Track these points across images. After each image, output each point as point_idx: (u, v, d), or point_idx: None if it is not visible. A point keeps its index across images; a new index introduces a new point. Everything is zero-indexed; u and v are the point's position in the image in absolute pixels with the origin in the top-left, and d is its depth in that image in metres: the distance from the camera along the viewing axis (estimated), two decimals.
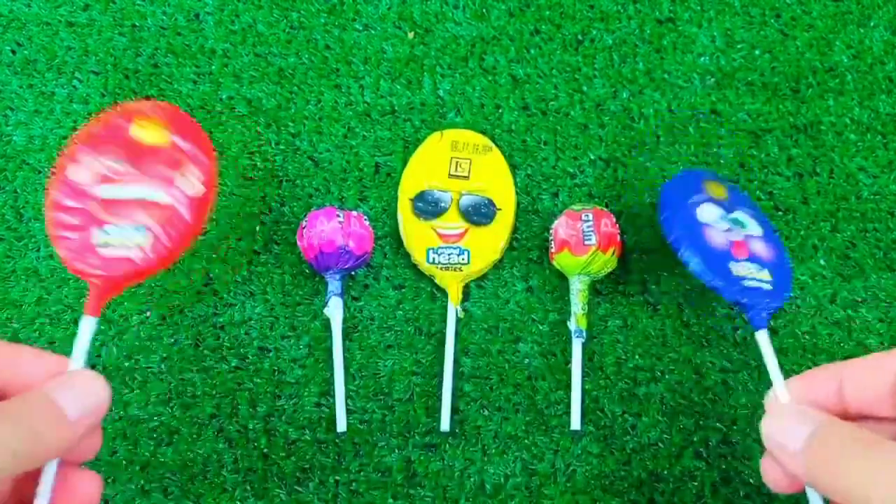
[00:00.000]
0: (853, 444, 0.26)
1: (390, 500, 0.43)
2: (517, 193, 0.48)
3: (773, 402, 0.32)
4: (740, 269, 0.37)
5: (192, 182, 0.36)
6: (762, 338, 0.35)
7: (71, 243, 0.33)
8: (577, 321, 0.44)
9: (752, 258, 0.38)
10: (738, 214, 0.41)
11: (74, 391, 0.28)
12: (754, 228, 0.40)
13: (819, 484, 0.27)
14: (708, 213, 0.40)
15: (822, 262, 0.47)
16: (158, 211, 0.34)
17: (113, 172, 0.35)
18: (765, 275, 0.37)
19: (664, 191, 0.41)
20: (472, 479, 0.44)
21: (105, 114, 0.36)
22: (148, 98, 0.51)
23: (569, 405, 0.44)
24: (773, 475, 0.30)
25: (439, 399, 0.44)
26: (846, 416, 0.29)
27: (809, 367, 0.45)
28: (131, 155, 0.35)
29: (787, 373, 0.45)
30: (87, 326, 0.31)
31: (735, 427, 0.44)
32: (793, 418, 0.29)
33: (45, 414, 0.27)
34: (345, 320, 0.46)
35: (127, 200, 0.34)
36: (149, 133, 0.36)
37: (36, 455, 0.26)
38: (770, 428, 0.30)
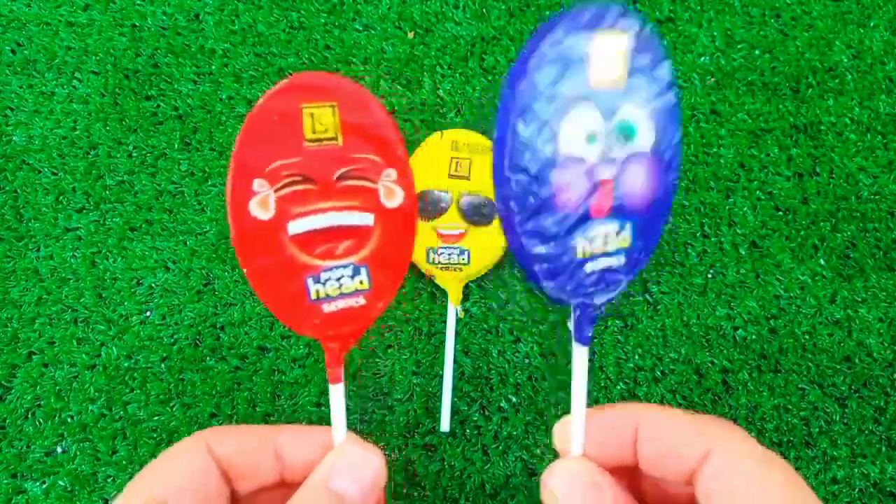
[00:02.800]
0: None
1: (390, 500, 0.43)
2: None
3: (563, 445, 0.26)
4: (591, 242, 0.25)
5: (391, 188, 0.27)
6: (580, 357, 0.26)
7: (288, 304, 0.26)
8: None
9: (617, 210, 0.25)
10: (628, 112, 0.25)
11: (350, 472, 0.26)
12: (644, 136, 0.25)
13: None
14: (576, 128, 0.24)
15: (822, 262, 0.47)
16: (366, 238, 0.27)
17: (298, 200, 0.26)
18: (622, 239, 0.25)
19: (514, 69, 0.24)
20: (472, 480, 0.44)
21: (263, 104, 0.26)
22: (148, 98, 0.51)
23: (569, 405, 0.44)
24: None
25: (439, 399, 0.44)
26: (633, 467, 0.26)
27: (809, 367, 0.45)
28: (310, 165, 0.26)
29: (786, 373, 0.46)
30: (337, 395, 0.27)
31: None
32: (582, 486, 0.25)
33: None
34: None
35: (325, 231, 0.27)
36: (322, 125, 0.26)
37: None
38: (555, 484, 0.25)
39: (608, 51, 0.25)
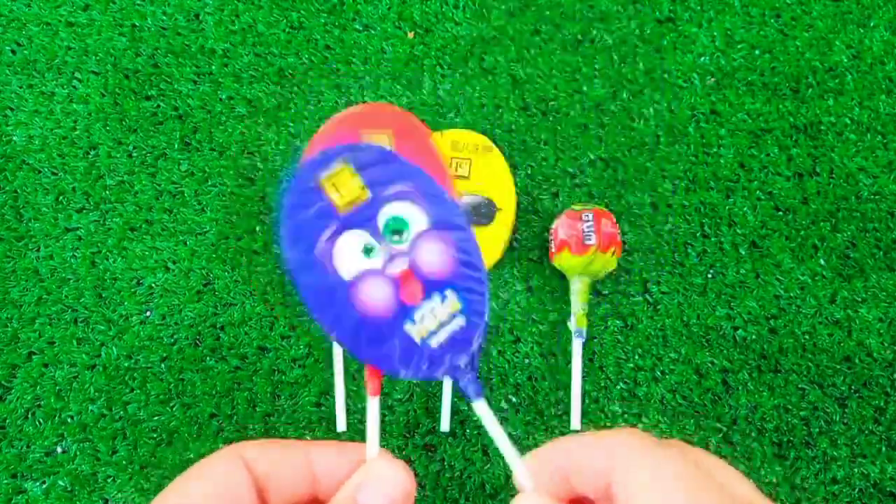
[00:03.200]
0: None
1: None
2: (517, 193, 0.48)
3: (523, 489, 0.27)
4: (422, 322, 0.26)
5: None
6: (482, 411, 0.27)
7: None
8: (577, 321, 0.44)
9: (429, 287, 0.26)
10: (389, 212, 0.26)
11: (379, 489, 0.26)
12: (416, 219, 0.27)
13: None
14: (349, 252, 0.26)
15: (822, 262, 0.47)
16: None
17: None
18: (451, 305, 0.27)
19: (283, 236, 0.25)
20: (472, 480, 0.44)
21: (325, 129, 0.27)
22: (148, 98, 0.51)
23: (569, 405, 0.44)
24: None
25: (439, 399, 0.44)
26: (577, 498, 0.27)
27: (809, 367, 0.45)
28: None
29: (786, 373, 0.46)
30: (374, 409, 0.28)
31: (735, 427, 0.44)
32: None
33: None
34: None
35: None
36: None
37: None
38: None
39: (337, 179, 0.26)
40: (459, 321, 0.27)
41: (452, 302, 0.27)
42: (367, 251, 0.26)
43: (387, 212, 0.26)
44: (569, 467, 0.26)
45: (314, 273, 0.25)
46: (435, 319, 0.27)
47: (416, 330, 0.26)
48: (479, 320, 0.27)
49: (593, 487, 0.25)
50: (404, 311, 0.26)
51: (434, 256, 0.27)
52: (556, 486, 0.27)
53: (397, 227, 0.26)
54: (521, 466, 0.27)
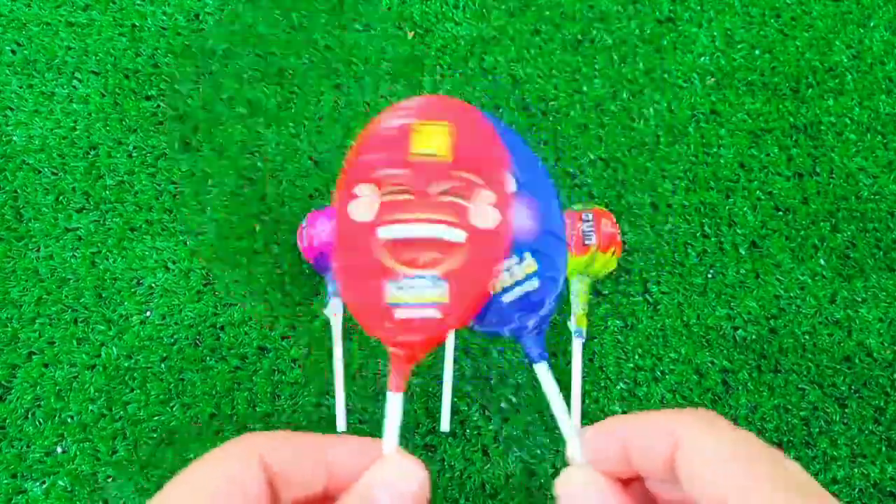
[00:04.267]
0: None
1: None
2: None
3: (572, 455, 0.27)
4: (497, 279, 0.28)
5: (485, 211, 0.28)
6: (543, 373, 0.28)
7: (364, 304, 0.27)
8: (577, 321, 0.44)
9: (512, 247, 0.28)
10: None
11: (393, 485, 0.26)
12: (509, 179, 0.30)
13: None
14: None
15: (822, 262, 0.47)
16: (453, 254, 0.28)
17: (395, 208, 0.28)
18: (527, 266, 0.28)
19: None
20: (472, 480, 0.43)
21: (380, 118, 0.28)
22: (148, 98, 0.51)
23: (569, 405, 0.44)
24: None
25: (439, 399, 0.44)
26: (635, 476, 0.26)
27: (809, 367, 0.45)
28: (413, 177, 0.28)
29: (786, 373, 0.46)
30: (395, 405, 0.27)
31: None
32: (591, 493, 0.25)
33: None
34: (345, 320, 0.46)
35: (415, 241, 0.28)
36: (432, 143, 0.28)
37: None
38: (567, 491, 0.26)
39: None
40: (534, 283, 0.28)
41: (529, 263, 0.28)
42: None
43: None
44: (630, 443, 0.26)
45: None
46: (511, 277, 0.28)
47: (491, 283, 0.28)
48: (552, 285, 0.28)
49: (654, 465, 0.25)
50: None
51: (518, 218, 0.28)
52: (612, 462, 0.26)
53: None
54: (575, 438, 0.26)
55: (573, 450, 0.26)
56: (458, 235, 0.28)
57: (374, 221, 0.28)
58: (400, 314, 0.27)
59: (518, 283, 0.28)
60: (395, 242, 0.28)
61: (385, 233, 0.28)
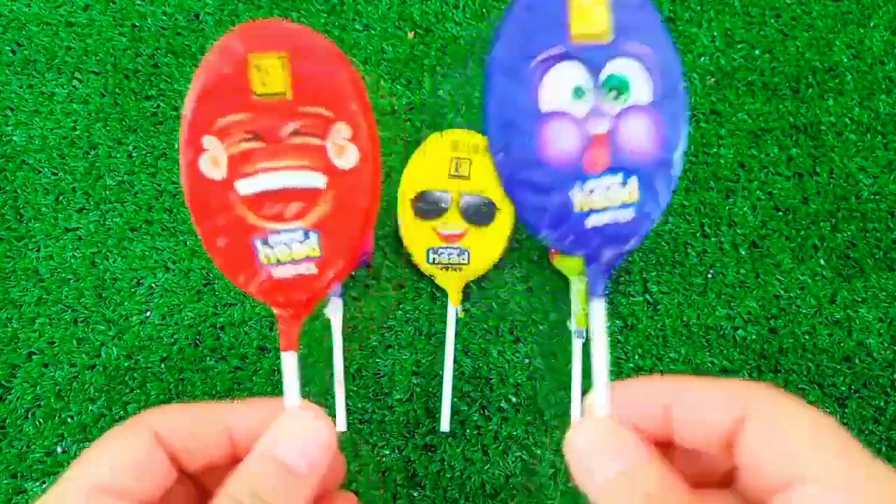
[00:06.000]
0: None
1: (390, 501, 0.43)
2: None
3: (591, 410, 0.25)
4: (589, 196, 0.24)
5: (342, 146, 0.26)
6: (598, 312, 0.25)
7: (240, 265, 0.25)
8: (577, 321, 0.44)
9: (616, 165, 0.24)
10: (617, 67, 0.24)
11: (298, 440, 0.25)
12: (640, 88, 0.24)
13: None
14: (560, 84, 0.23)
15: (822, 262, 0.47)
16: (317, 201, 0.26)
17: (248, 158, 0.25)
18: (627, 193, 0.24)
19: (499, 36, 0.23)
20: (472, 480, 0.44)
21: (210, 57, 0.25)
22: (148, 98, 0.51)
23: (569, 405, 0.44)
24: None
25: (439, 399, 0.44)
26: (666, 442, 0.25)
27: (809, 367, 0.45)
28: (259, 122, 0.25)
29: (786, 373, 0.46)
30: (290, 362, 0.26)
31: None
32: (605, 444, 0.24)
33: (278, 479, 0.24)
34: (345, 320, 0.46)
35: (275, 192, 0.25)
36: (273, 79, 0.25)
37: None
38: (577, 441, 0.24)
39: (587, 2, 0.23)
40: (628, 213, 0.24)
41: (632, 191, 0.24)
42: (577, 93, 0.24)
43: (617, 65, 0.24)
44: (679, 408, 0.24)
45: (513, 83, 0.23)
46: (605, 199, 0.24)
47: (579, 199, 0.24)
48: (646, 223, 0.25)
49: (705, 435, 0.24)
50: (578, 174, 0.24)
51: (639, 136, 0.24)
52: (639, 421, 0.25)
53: (618, 86, 0.24)
54: (602, 389, 0.24)
55: (598, 399, 0.24)
56: (318, 180, 0.25)
57: (230, 176, 0.25)
58: (275, 274, 0.25)
59: (610, 209, 0.24)
60: (256, 196, 0.25)
61: (244, 188, 0.25)
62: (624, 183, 0.24)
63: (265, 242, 0.25)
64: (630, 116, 0.24)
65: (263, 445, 0.25)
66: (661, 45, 0.24)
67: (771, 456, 0.21)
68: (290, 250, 0.26)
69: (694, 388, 0.24)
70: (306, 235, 0.26)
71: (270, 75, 0.25)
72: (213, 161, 0.25)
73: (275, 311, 0.26)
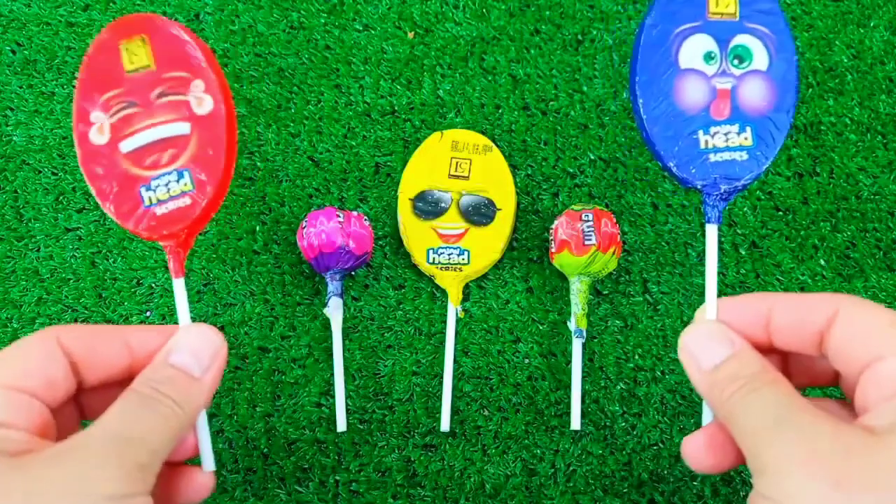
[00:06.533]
0: (761, 386, 0.26)
1: (390, 500, 0.43)
2: (517, 193, 0.48)
3: (701, 315, 0.31)
4: (712, 138, 0.31)
5: (200, 98, 0.32)
6: (711, 235, 0.31)
7: (128, 211, 0.31)
8: (577, 321, 0.44)
9: (735, 115, 0.31)
10: (742, 41, 0.32)
11: (190, 348, 0.29)
12: (760, 59, 0.31)
13: (715, 409, 0.28)
14: (695, 48, 0.31)
15: (822, 262, 0.47)
16: (186, 146, 0.32)
17: (125, 121, 0.32)
18: (743, 138, 0.31)
19: (652, 8, 0.32)
20: (472, 480, 0.44)
21: (91, 48, 0.33)
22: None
23: (569, 405, 0.44)
24: (692, 451, 0.30)
25: (439, 399, 0.44)
26: (769, 349, 0.29)
27: None
28: (133, 91, 0.32)
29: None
30: (180, 287, 0.32)
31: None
32: (714, 336, 0.29)
33: (174, 379, 0.28)
34: (345, 320, 0.46)
35: (151, 145, 0.32)
36: (139, 57, 0.33)
37: (183, 422, 0.28)
38: (689, 338, 0.30)
39: None
40: (742, 155, 0.31)
41: (747, 136, 0.31)
42: (708, 57, 0.31)
43: (742, 39, 0.31)
44: (778, 312, 0.28)
45: (659, 42, 0.31)
46: (724, 141, 0.31)
47: (704, 139, 0.31)
48: (756, 167, 0.31)
49: (801, 336, 0.28)
50: (706, 119, 0.31)
51: (755, 95, 0.31)
52: (745, 327, 0.29)
53: (742, 55, 0.31)
54: (712, 300, 0.30)
55: (709, 307, 0.30)
56: (183, 128, 0.32)
57: (112, 139, 0.32)
58: (158, 212, 0.31)
59: (728, 149, 0.31)
60: (136, 151, 0.32)
61: (126, 146, 0.32)
62: (740, 131, 0.31)
63: (148, 188, 0.32)
64: (749, 79, 0.31)
65: (161, 355, 0.29)
66: (779, 27, 0.31)
67: (858, 341, 0.26)
68: (167, 190, 0.32)
69: (790, 296, 0.29)
70: (180, 175, 0.32)
71: (137, 54, 0.33)
72: (100, 129, 0.32)
73: (162, 244, 0.32)
